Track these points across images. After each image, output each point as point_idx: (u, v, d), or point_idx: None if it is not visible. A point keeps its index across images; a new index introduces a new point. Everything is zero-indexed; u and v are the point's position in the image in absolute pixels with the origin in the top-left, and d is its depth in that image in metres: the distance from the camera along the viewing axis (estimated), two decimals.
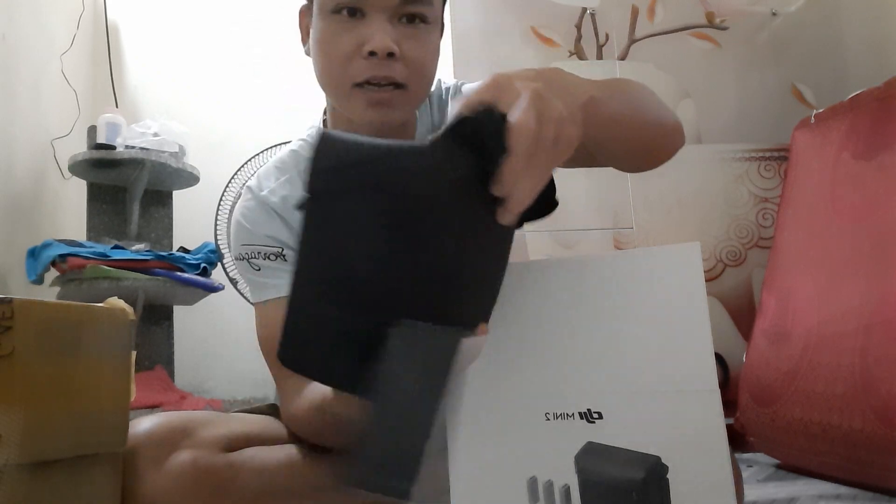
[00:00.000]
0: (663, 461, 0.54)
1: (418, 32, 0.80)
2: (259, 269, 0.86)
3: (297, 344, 0.52)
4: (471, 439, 0.61)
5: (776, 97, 2.01)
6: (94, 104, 2.59)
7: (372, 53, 0.77)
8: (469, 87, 0.97)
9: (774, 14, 2.04)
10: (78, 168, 2.20)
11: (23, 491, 0.57)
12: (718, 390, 0.54)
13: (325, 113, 0.95)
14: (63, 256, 1.93)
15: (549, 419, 0.59)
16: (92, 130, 2.26)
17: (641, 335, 0.57)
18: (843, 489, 1.33)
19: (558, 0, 1.84)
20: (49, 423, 0.59)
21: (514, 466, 0.59)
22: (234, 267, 2.23)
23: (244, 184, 2.27)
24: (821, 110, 1.70)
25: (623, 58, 1.93)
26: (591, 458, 0.57)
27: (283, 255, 0.86)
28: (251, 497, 0.76)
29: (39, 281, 1.98)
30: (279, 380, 0.84)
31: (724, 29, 2.00)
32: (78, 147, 2.26)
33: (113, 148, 2.14)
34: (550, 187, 0.54)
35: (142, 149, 2.15)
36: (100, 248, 2.02)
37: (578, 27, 1.91)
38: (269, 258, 0.86)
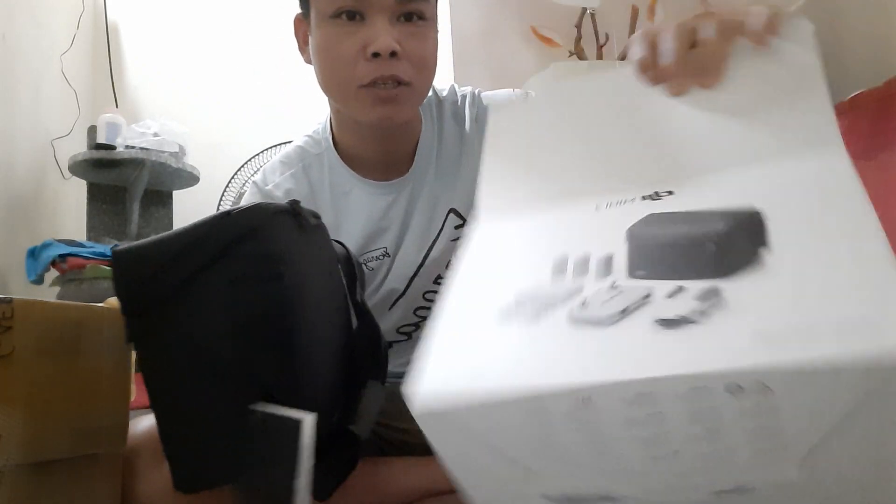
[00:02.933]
0: (761, 213, 0.40)
1: (418, 30, 0.81)
2: None
3: (196, 461, 0.53)
4: (484, 244, 0.50)
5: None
6: (94, 104, 2.59)
7: (375, 54, 0.78)
8: (487, 95, 0.98)
9: None
10: (78, 168, 2.20)
11: (23, 491, 0.57)
12: (841, 144, 0.42)
13: (331, 110, 0.96)
14: (63, 256, 1.93)
15: (598, 209, 0.47)
16: (92, 130, 2.26)
17: (733, 106, 0.47)
18: None
19: (558, 0, 1.84)
20: (49, 423, 0.59)
21: (539, 250, 0.46)
22: None
23: (244, 182, 2.28)
24: None
25: (623, 58, 1.93)
26: (649, 226, 0.44)
27: None
28: None
29: (39, 281, 1.98)
30: None
31: None
32: (78, 147, 2.26)
33: (113, 148, 2.14)
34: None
35: (142, 149, 2.15)
36: (100, 248, 2.02)
37: (578, 27, 1.91)
38: None
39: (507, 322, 0.40)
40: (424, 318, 0.98)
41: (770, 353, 0.29)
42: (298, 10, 0.88)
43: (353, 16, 0.79)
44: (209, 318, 0.49)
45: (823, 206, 0.39)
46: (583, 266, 0.42)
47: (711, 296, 0.35)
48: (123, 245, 0.51)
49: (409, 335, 0.99)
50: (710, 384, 0.31)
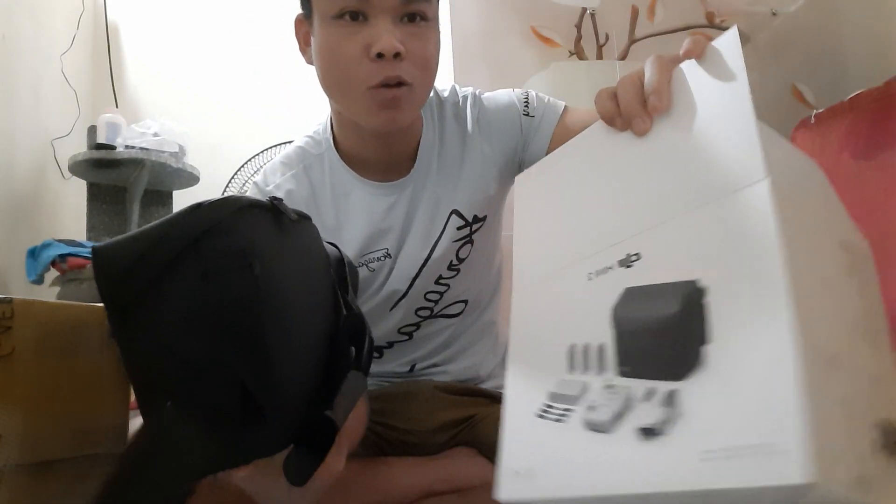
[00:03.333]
0: (700, 284, 0.44)
1: (420, 31, 0.81)
2: None
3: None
4: (523, 317, 0.59)
5: (776, 97, 2.01)
6: (94, 104, 2.60)
7: (379, 55, 0.78)
8: (488, 96, 0.98)
9: (774, 14, 2.04)
10: (78, 168, 2.20)
11: (23, 491, 0.57)
12: (768, 179, 0.43)
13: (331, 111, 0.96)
14: (63, 256, 1.93)
15: (591, 279, 0.53)
16: (92, 130, 2.26)
17: (681, 147, 0.51)
18: None
19: (558, 0, 1.84)
20: (49, 423, 0.59)
21: (557, 337, 0.54)
22: None
23: (244, 182, 2.28)
24: (821, 110, 1.70)
25: (623, 58, 1.93)
26: (627, 306, 0.50)
27: None
28: (251, 496, 0.76)
29: (39, 281, 1.98)
30: None
31: (724, 29, 2.00)
32: (78, 147, 2.26)
33: (113, 148, 2.14)
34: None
35: (142, 149, 2.15)
36: None
37: (578, 27, 1.91)
38: None
39: (542, 425, 0.51)
40: (425, 318, 0.98)
41: (711, 476, 0.37)
42: (299, 11, 0.88)
43: (356, 16, 0.79)
44: (181, 312, 0.49)
45: (744, 272, 0.42)
46: (586, 359, 0.51)
47: (672, 402, 0.42)
48: (103, 242, 0.51)
49: (409, 335, 0.99)
50: (670, 500, 0.39)
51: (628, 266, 0.51)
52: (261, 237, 0.54)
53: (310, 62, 0.88)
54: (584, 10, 1.89)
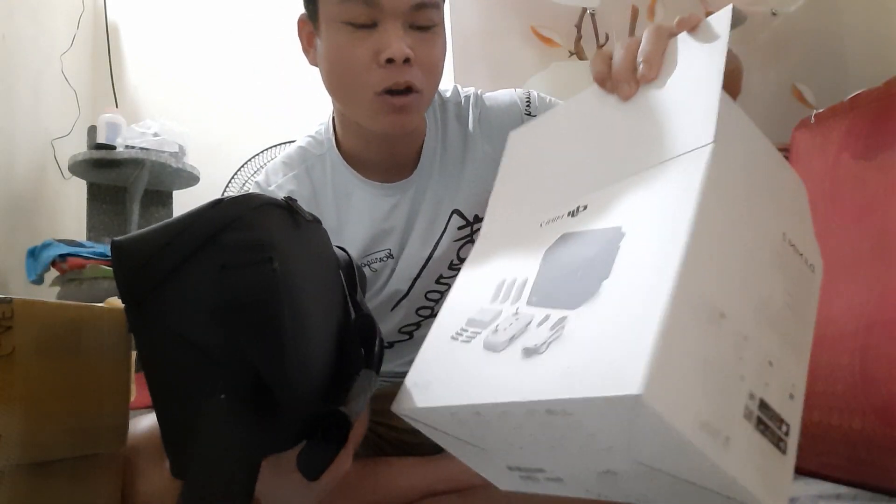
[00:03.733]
0: (622, 230, 0.47)
1: (429, 36, 0.82)
2: None
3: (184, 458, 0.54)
4: (475, 259, 0.63)
5: (776, 97, 2.01)
6: (94, 104, 2.60)
7: (389, 60, 0.78)
8: (489, 96, 0.98)
9: (774, 14, 2.04)
10: (78, 168, 2.20)
11: (23, 491, 0.57)
12: (712, 145, 0.45)
13: (333, 112, 0.96)
14: (63, 256, 1.93)
15: (542, 226, 0.56)
16: (92, 130, 2.26)
17: (651, 112, 0.53)
18: (843, 489, 1.32)
19: (558, 0, 1.84)
20: (49, 423, 0.59)
21: (494, 273, 0.57)
22: None
23: (244, 182, 2.28)
24: (821, 110, 1.70)
25: None
26: (557, 247, 0.53)
27: None
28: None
29: (39, 281, 1.98)
30: None
31: None
32: (78, 147, 2.26)
33: (113, 148, 2.15)
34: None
35: (142, 149, 2.15)
36: (100, 248, 2.02)
37: (578, 27, 1.91)
38: None
39: (453, 342, 0.54)
40: (426, 318, 0.98)
41: (564, 387, 0.39)
42: (301, 11, 0.88)
43: (366, 22, 0.79)
44: (198, 305, 0.50)
45: (659, 221, 0.44)
46: (508, 291, 0.53)
47: (559, 326, 0.44)
48: (122, 236, 0.51)
49: (410, 334, 0.99)
50: (533, 408, 0.41)
51: (573, 216, 0.53)
52: (279, 234, 0.54)
53: (313, 63, 0.88)
54: (584, 10, 1.89)
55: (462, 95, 0.98)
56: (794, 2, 2.06)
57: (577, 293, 0.45)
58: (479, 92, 0.99)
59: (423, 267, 0.93)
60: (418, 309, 0.96)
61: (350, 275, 0.71)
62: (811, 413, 1.38)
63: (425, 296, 0.95)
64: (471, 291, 0.58)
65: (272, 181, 0.92)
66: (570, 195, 0.56)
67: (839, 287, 1.42)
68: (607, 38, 1.94)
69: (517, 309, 0.50)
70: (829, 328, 1.40)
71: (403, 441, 0.94)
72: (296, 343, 0.53)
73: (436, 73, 0.84)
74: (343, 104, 0.87)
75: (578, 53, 1.92)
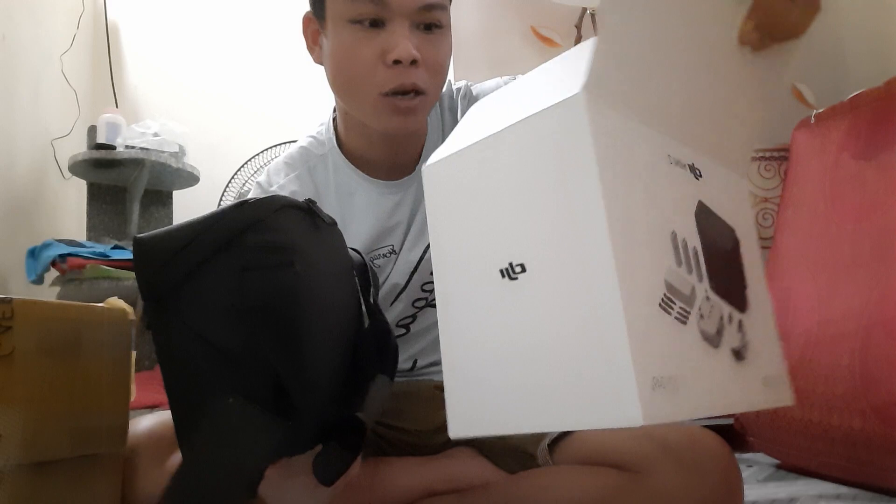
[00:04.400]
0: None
1: (435, 38, 0.82)
2: None
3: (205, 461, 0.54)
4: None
5: (776, 97, 2.01)
6: (94, 104, 2.59)
7: (396, 62, 0.78)
8: (479, 87, 0.98)
9: None
10: (78, 168, 2.20)
11: (23, 491, 0.57)
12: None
13: (334, 111, 0.96)
14: (63, 256, 1.93)
15: (671, 162, 0.49)
16: (92, 130, 2.26)
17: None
18: (843, 489, 1.32)
19: (558, 0, 1.84)
20: (49, 423, 0.59)
21: (658, 217, 0.46)
22: None
23: (244, 182, 2.28)
24: (821, 110, 1.70)
25: None
26: (704, 219, 0.50)
27: None
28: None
29: (39, 281, 1.98)
30: None
31: None
32: (78, 147, 2.26)
33: (113, 148, 2.14)
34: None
35: (142, 149, 2.15)
36: (100, 248, 2.02)
37: (578, 27, 1.91)
38: None
39: (665, 315, 0.44)
40: (421, 308, 0.98)
41: (770, 399, 0.47)
42: (305, 9, 0.88)
43: (373, 22, 0.79)
44: (218, 305, 0.50)
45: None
46: (687, 257, 0.47)
47: (742, 329, 0.47)
48: (145, 233, 0.52)
49: (407, 328, 0.99)
50: None
51: (693, 173, 0.50)
52: (300, 237, 0.55)
53: (318, 61, 0.88)
54: (584, 10, 1.89)
55: (454, 88, 0.99)
56: None
57: (738, 293, 0.49)
58: (468, 84, 0.99)
59: (420, 260, 0.93)
60: (415, 301, 0.97)
61: (364, 277, 0.71)
62: (811, 413, 1.38)
63: (421, 288, 0.96)
64: (641, 233, 0.44)
65: (274, 182, 0.92)
66: (689, 132, 0.51)
67: (839, 287, 1.42)
68: None
69: (706, 293, 0.47)
70: (829, 328, 1.40)
71: (403, 441, 0.94)
72: (314, 347, 0.53)
73: (441, 74, 0.84)
74: (348, 103, 0.87)
75: None
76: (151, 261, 0.51)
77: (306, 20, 0.89)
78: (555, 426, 0.45)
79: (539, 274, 0.44)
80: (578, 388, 0.41)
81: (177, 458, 0.72)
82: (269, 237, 0.52)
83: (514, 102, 0.52)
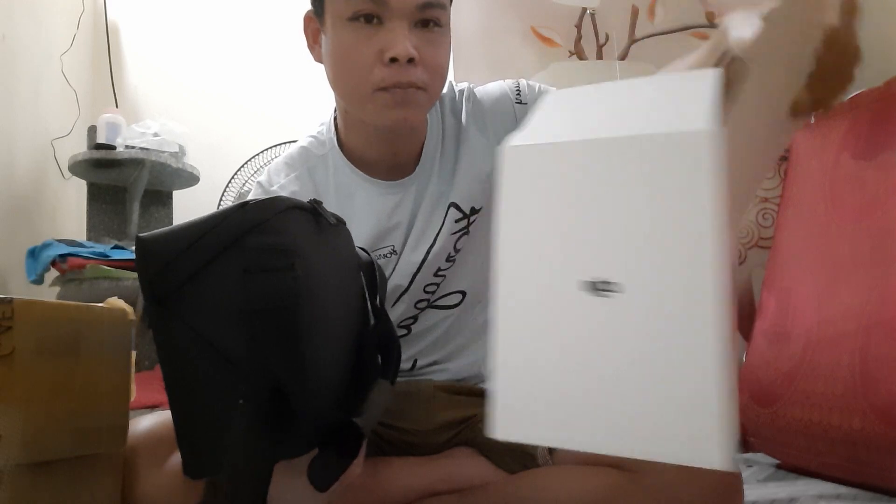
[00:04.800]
0: None
1: (434, 36, 0.82)
2: None
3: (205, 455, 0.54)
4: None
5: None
6: (94, 104, 2.60)
7: (393, 60, 0.79)
8: (482, 90, 0.98)
9: None
10: (78, 168, 2.20)
11: (23, 491, 0.57)
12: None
13: (335, 111, 0.96)
14: (63, 256, 1.93)
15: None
16: (92, 130, 2.26)
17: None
18: (843, 489, 1.32)
19: (558, 0, 1.84)
20: (49, 423, 0.59)
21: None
22: None
23: (244, 182, 2.28)
24: None
25: (623, 58, 1.93)
26: None
27: None
28: None
29: (39, 281, 1.98)
30: None
31: None
32: (78, 147, 2.26)
33: (113, 148, 2.14)
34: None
35: (142, 149, 2.15)
36: (100, 248, 2.02)
37: (578, 27, 1.91)
38: None
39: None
40: (422, 310, 0.98)
41: None
42: (306, 8, 0.88)
43: (371, 20, 0.79)
44: (219, 307, 0.50)
45: None
46: None
47: None
48: (148, 233, 0.52)
49: (408, 328, 0.99)
50: None
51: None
52: (303, 239, 0.55)
53: (318, 60, 0.89)
54: (584, 10, 1.90)
55: (456, 90, 0.99)
56: None
57: None
58: (471, 86, 0.99)
59: (423, 261, 0.93)
60: (417, 302, 0.97)
61: (371, 277, 0.71)
62: (811, 413, 1.38)
63: (424, 289, 0.96)
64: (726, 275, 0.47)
65: (274, 181, 0.92)
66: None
67: (839, 287, 1.42)
68: (607, 38, 1.94)
69: None
70: (829, 328, 1.40)
71: (403, 441, 0.94)
72: (315, 351, 0.53)
73: (440, 73, 0.85)
74: (346, 101, 0.87)
75: (578, 53, 1.92)
76: (154, 261, 0.51)
77: (307, 19, 0.89)
78: (617, 450, 0.43)
79: (631, 295, 0.43)
80: (654, 416, 0.41)
81: (176, 458, 0.72)
82: (271, 239, 0.52)
83: (621, 111, 0.51)
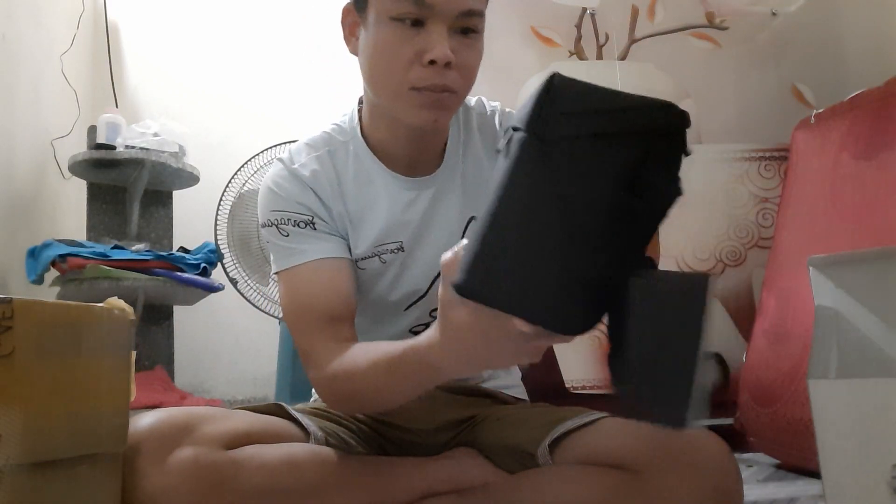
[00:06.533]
0: None
1: (470, 42, 0.85)
2: (287, 235, 0.89)
3: (497, 276, 0.52)
4: None
5: (776, 97, 2.01)
6: (94, 104, 2.60)
7: (432, 62, 0.81)
8: (512, 114, 0.99)
9: (774, 14, 2.04)
10: (78, 168, 2.20)
11: (23, 491, 0.57)
12: None
13: (359, 103, 0.97)
14: (63, 256, 1.93)
15: None
16: (92, 130, 2.26)
17: None
18: None
19: (558, 0, 1.84)
20: (49, 423, 0.59)
21: None
22: (234, 267, 2.22)
23: (244, 182, 2.27)
24: (821, 110, 1.70)
25: (623, 58, 1.93)
26: None
27: (313, 224, 0.89)
28: (252, 494, 0.76)
29: (39, 281, 1.98)
30: (315, 342, 0.85)
31: (724, 29, 2.00)
32: (78, 147, 2.26)
33: (113, 148, 2.15)
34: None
35: (142, 149, 2.15)
36: (100, 248, 2.02)
37: (578, 27, 1.91)
38: (298, 225, 0.89)
39: None
40: (435, 319, 0.98)
41: None
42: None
43: (414, 21, 0.81)
44: (590, 184, 0.50)
45: None
46: None
47: None
48: (566, 75, 0.51)
49: (418, 335, 0.99)
50: None
51: None
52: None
53: (353, 52, 0.91)
54: (584, 10, 1.90)
55: (488, 108, 1.01)
56: (794, 2, 2.06)
57: None
58: (503, 108, 1.01)
59: None
60: (432, 310, 0.97)
61: None
62: (811, 413, 1.38)
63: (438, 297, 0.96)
64: None
65: (296, 160, 0.93)
66: None
67: None
68: (607, 38, 1.94)
69: None
70: None
71: (404, 440, 0.94)
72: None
73: (472, 77, 0.87)
74: (379, 96, 0.89)
75: (578, 53, 1.93)
76: (557, 102, 0.50)
77: (346, 12, 0.90)
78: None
79: None
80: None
81: (178, 454, 0.72)
82: (671, 159, 0.52)
83: None
